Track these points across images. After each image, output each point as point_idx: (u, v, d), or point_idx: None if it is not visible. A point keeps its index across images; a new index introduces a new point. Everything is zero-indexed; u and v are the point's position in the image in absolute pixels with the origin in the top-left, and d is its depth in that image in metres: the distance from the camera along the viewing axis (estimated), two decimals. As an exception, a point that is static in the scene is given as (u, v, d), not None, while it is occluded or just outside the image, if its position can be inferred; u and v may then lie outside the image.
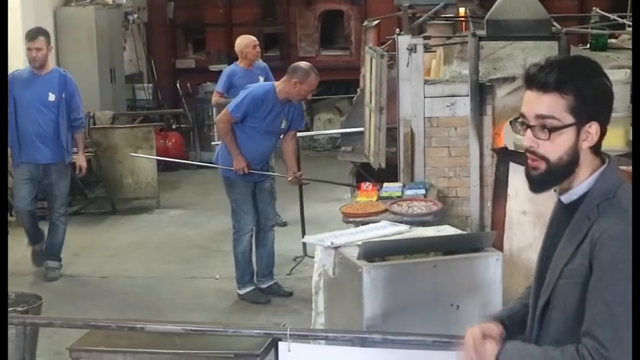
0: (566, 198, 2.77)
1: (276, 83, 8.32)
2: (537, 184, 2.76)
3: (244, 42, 10.70)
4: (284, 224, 10.42)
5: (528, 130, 2.72)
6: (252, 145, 8.17)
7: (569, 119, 2.67)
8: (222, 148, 8.42)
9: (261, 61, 11.00)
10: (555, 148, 2.69)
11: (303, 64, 8.39)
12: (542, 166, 2.71)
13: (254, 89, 8.28)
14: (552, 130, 2.67)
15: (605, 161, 2.75)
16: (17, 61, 12.09)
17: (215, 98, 10.59)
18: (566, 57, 2.82)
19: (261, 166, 8.37)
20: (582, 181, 2.72)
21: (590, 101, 2.67)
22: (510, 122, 2.90)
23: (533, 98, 2.71)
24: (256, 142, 8.18)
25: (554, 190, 2.80)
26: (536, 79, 2.69)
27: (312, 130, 15.20)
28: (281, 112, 8.18)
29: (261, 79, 10.49)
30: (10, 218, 10.79)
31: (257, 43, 10.81)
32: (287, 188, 9.07)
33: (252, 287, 8.45)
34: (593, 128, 2.68)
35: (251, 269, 8.48)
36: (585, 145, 2.69)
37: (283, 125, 8.27)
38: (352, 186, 9.32)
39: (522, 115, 2.75)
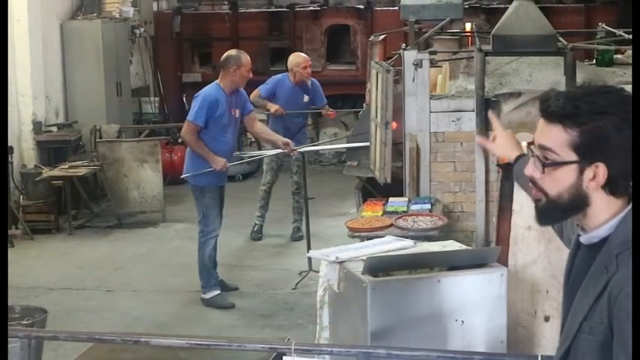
0: (587, 239, 2.50)
1: (218, 81, 8.65)
2: (540, 216, 2.53)
3: (295, 60, 10.43)
4: (300, 238, 10.42)
5: (532, 159, 2.51)
6: (220, 143, 8.57)
7: (572, 156, 2.41)
8: (188, 159, 8.83)
9: (312, 80, 10.68)
10: (554, 184, 2.45)
11: (228, 53, 8.78)
12: (543, 199, 2.49)
13: (204, 94, 8.61)
14: (550, 164, 2.44)
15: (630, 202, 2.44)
16: (23, 74, 12.16)
17: (254, 94, 10.28)
18: (586, 88, 2.46)
19: (231, 155, 8.82)
20: (602, 224, 2.44)
21: (597, 140, 2.38)
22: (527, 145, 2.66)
23: (541, 127, 2.48)
24: (223, 139, 8.61)
25: (577, 225, 2.57)
26: (544, 107, 2.47)
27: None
28: (231, 104, 8.59)
29: (306, 97, 10.46)
30: (15, 231, 10.81)
31: (309, 63, 10.47)
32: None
33: (218, 292, 8.68)
34: (600, 169, 2.39)
35: (216, 273, 8.77)
36: (592, 186, 2.41)
37: (237, 115, 8.69)
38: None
39: (533, 142, 2.54)
